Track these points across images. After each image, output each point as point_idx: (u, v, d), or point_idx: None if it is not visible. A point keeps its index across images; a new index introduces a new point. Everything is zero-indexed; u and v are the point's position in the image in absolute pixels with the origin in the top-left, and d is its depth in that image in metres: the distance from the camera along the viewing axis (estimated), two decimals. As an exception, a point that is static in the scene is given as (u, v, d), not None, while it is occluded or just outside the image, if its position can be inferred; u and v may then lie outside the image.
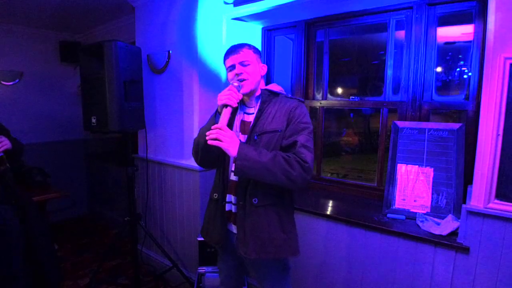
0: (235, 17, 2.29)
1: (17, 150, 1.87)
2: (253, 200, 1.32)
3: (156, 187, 2.67)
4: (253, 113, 1.39)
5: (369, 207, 1.91)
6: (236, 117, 1.44)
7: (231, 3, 2.25)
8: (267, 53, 2.54)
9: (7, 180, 1.70)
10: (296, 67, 2.35)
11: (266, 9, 2.07)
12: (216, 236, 1.43)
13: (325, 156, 2.50)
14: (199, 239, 2.20)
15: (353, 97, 2.19)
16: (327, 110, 2.34)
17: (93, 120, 2.16)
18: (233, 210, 1.39)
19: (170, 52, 2.39)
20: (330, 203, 2.04)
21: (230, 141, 1.22)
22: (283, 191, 1.35)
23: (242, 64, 1.35)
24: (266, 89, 1.39)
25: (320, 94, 2.31)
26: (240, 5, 2.20)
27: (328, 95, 2.30)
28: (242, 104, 1.45)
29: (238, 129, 1.40)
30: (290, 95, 1.42)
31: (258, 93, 1.41)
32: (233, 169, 1.34)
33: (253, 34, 2.51)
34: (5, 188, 1.67)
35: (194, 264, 2.38)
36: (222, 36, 2.33)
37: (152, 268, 2.74)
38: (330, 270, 1.86)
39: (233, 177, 1.38)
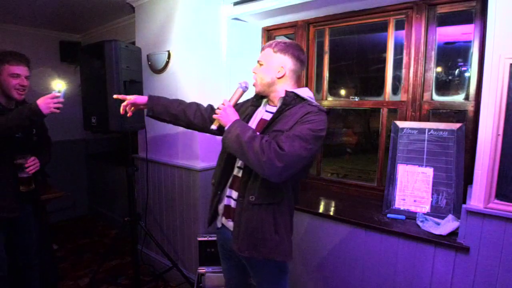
0: (235, 16, 2.29)
1: (44, 165, 1.95)
2: (250, 197, 1.30)
3: (156, 187, 2.67)
4: (273, 113, 1.36)
5: (369, 207, 1.91)
6: (257, 114, 1.44)
7: (231, 3, 2.25)
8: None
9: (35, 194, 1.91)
10: (296, 67, 2.35)
11: (266, 9, 2.07)
12: (209, 216, 1.51)
13: (325, 156, 2.50)
14: (199, 239, 2.20)
15: (353, 97, 2.19)
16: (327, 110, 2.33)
17: (93, 120, 2.16)
18: (232, 206, 1.39)
19: (170, 52, 2.39)
20: (330, 203, 2.04)
21: (225, 115, 1.30)
22: (282, 191, 1.30)
23: (258, 63, 1.38)
24: (293, 92, 1.32)
25: (320, 94, 2.31)
26: (240, 5, 2.20)
27: (328, 95, 2.30)
28: (267, 103, 1.44)
29: (255, 126, 1.39)
30: (317, 105, 1.32)
31: (282, 94, 1.34)
32: (239, 164, 1.38)
33: (253, 34, 2.51)
34: (30, 194, 1.85)
35: (194, 264, 2.38)
36: (222, 36, 2.33)
37: (152, 268, 2.74)
38: (330, 270, 1.86)
39: (237, 171, 1.39)
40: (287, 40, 1.40)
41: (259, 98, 1.47)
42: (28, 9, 2.89)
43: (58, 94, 1.64)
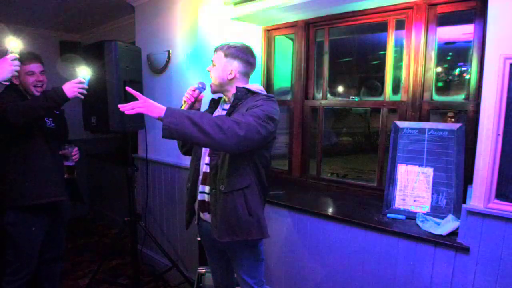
0: (235, 17, 2.29)
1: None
2: (221, 186, 1.40)
3: (156, 187, 2.67)
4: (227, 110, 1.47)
5: (369, 207, 1.91)
6: (215, 113, 1.56)
7: (231, 3, 2.25)
8: (267, 53, 2.54)
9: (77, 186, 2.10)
10: (296, 67, 2.35)
11: (266, 9, 2.07)
12: (187, 218, 1.65)
13: (325, 156, 2.50)
14: (199, 239, 2.20)
15: (353, 97, 2.19)
16: (327, 110, 2.33)
17: (93, 120, 2.16)
18: (206, 200, 1.49)
19: (170, 52, 2.39)
20: (330, 203, 2.04)
21: (151, 105, 1.22)
22: (248, 176, 1.40)
23: (212, 63, 1.50)
24: (243, 87, 1.45)
25: (320, 94, 2.31)
26: (240, 5, 2.20)
27: (328, 95, 2.30)
28: (223, 102, 1.57)
29: None
30: (266, 94, 1.47)
31: (234, 91, 1.46)
32: (206, 161, 1.48)
33: (253, 34, 2.51)
34: (73, 189, 2.06)
35: (194, 264, 2.38)
36: (222, 36, 2.33)
37: (152, 268, 2.74)
38: (329, 270, 1.86)
39: (205, 168, 1.49)
40: (237, 43, 1.50)
41: (216, 102, 1.60)
42: (29, 9, 2.89)
43: (83, 80, 1.73)
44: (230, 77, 1.46)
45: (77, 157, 2.01)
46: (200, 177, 1.52)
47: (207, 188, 1.48)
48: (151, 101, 1.24)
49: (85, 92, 1.74)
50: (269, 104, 1.37)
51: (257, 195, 1.45)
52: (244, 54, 1.47)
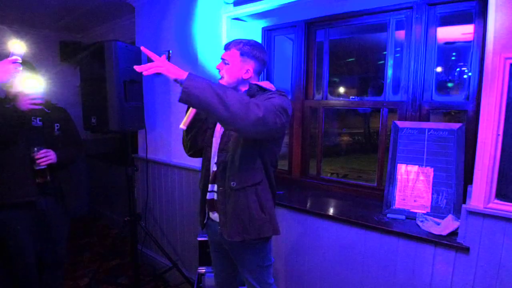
0: (235, 17, 2.28)
1: (65, 160, 1.96)
2: (231, 183, 1.37)
3: (156, 187, 2.67)
4: None
5: (369, 207, 1.91)
6: None
7: (231, 3, 2.25)
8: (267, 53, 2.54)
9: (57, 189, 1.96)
10: (296, 67, 2.35)
11: (266, 9, 2.07)
12: (201, 219, 1.59)
13: (325, 156, 2.50)
14: (199, 239, 2.20)
15: (353, 97, 2.19)
16: (327, 110, 2.34)
17: (93, 120, 2.16)
18: (215, 198, 1.46)
19: (170, 52, 2.39)
20: (330, 203, 2.04)
21: (169, 66, 1.14)
22: (260, 172, 1.39)
23: (224, 61, 1.44)
24: (255, 84, 1.43)
25: (320, 94, 2.31)
26: (240, 5, 2.19)
27: (328, 95, 2.30)
28: None
29: None
30: (278, 90, 1.44)
31: (245, 88, 1.45)
32: (215, 160, 1.45)
33: (253, 34, 2.51)
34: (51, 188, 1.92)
35: (194, 264, 2.38)
36: (222, 36, 2.33)
37: (152, 268, 2.74)
38: (329, 270, 1.86)
39: (215, 167, 1.46)
40: (250, 41, 1.45)
41: None
42: (29, 9, 2.89)
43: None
44: (246, 76, 1.42)
45: (45, 160, 1.80)
46: (210, 176, 1.50)
47: (215, 187, 1.46)
48: (170, 63, 1.16)
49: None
50: (282, 98, 1.34)
51: (269, 192, 1.43)
52: (260, 53, 1.44)
